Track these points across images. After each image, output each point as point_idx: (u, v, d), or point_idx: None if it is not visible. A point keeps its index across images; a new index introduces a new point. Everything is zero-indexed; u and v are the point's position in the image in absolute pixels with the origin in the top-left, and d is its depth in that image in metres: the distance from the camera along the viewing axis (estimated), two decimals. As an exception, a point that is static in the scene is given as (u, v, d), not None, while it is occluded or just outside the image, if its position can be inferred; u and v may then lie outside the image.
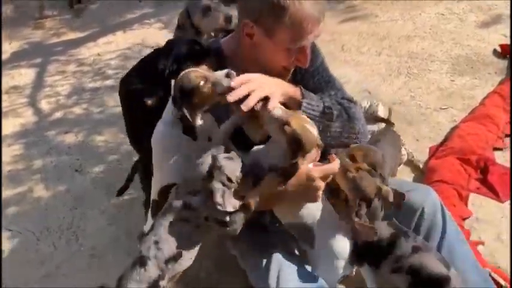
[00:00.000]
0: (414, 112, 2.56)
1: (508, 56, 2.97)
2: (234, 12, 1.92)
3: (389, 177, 1.51)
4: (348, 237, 1.30)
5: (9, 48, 3.99)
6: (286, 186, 1.17)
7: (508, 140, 2.36)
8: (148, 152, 1.36)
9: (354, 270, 1.41)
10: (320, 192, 1.22)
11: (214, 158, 1.13)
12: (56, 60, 3.76)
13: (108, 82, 3.37)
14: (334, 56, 3.26)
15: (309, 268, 1.32)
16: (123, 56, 3.69)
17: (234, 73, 1.20)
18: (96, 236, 2.17)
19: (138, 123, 1.63)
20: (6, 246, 2.16)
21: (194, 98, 1.21)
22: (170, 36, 2.55)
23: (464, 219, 1.95)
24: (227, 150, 1.20)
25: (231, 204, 1.11)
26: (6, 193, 2.46)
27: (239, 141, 1.29)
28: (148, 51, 3.65)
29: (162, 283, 1.14)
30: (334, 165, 1.22)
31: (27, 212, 2.35)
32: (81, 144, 2.78)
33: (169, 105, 1.28)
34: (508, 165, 2.22)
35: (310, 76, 1.49)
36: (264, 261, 1.31)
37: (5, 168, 2.63)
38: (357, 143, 1.45)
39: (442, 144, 2.37)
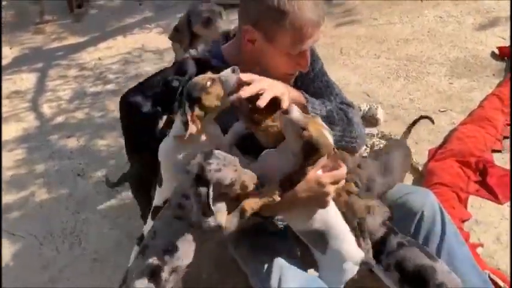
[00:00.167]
0: (413, 115, 2.57)
1: (506, 58, 2.99)
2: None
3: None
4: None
5: (10, 53, 4.00)
6: (296, 192, 1.18)
7: (506, 142, 2.37)
8: (148, 163, 1.36)
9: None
10: (330, 198, 1.23)
11: (201, 166, 1.11)
12: (57, 64, 3.77)
13: (109, 86, 3.39)
14: (333, 59, 3.27)
15: (312, 271, 1.33)
16: (124, 61, 3.70)
17: (239, 69, 1.19)
18: (98, 240, 2.18)
19: (137, 133, 1.64)
20: (10, 250, 2.18)
21: (202, 100, 1.17)
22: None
23: (463, 221, 1.96)
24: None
25: (212, 212, 1.10)
26: (9, 198, 2.48)
27: (249, 145, 1.27)
28: (148, 55, 3.74)
29: (164, 275, 1.14)
30: (343, 170, 1.24)
31: (30, 216, 2.36)
32: (83, 149, 2.79)
33: (178, 122, 1.24)
34: (506, 167, 2.23)
35: (310, 81, 1.51)
36: (266, 265, 1.31)
37: (8, 173, 2.65)
38: (355, 147, 1.48)
39: (441, 146, 2.38)
